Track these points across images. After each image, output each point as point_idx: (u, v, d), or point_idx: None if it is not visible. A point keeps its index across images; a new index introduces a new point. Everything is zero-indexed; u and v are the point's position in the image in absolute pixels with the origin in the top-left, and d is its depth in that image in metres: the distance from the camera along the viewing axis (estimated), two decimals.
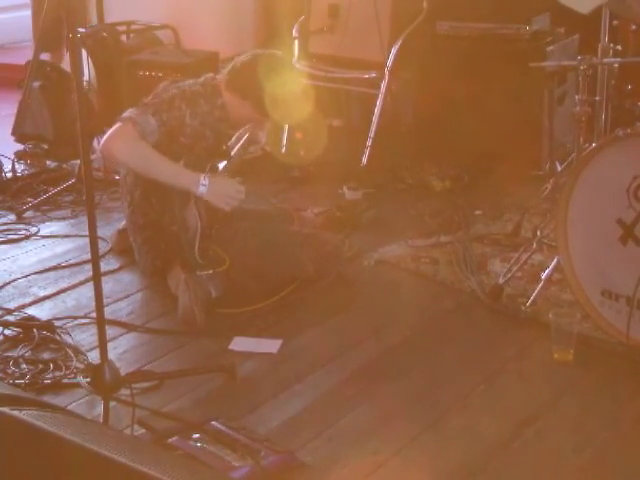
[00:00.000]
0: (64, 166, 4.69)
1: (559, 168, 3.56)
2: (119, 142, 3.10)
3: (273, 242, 3.31)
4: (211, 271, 3.16)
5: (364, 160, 4.55)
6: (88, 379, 2.57)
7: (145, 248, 3.34)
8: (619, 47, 3.22)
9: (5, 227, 4.05)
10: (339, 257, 3.46)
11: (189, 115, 3.18)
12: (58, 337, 3.03)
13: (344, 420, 2.58)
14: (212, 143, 3.27)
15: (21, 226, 4.07)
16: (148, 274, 3.42)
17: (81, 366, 2.83)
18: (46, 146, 4.78)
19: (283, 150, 4.68)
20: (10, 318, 3.17)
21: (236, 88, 3.28)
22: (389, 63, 4.59)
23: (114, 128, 3.10)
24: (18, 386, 2.70)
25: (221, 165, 3.29)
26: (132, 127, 3.07)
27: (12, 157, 4.73)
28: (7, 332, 3.07)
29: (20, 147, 4.82)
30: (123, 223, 3.72)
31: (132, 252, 3.53)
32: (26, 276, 3.53)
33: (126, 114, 3.12)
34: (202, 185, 3.10)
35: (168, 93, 3.21)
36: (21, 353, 2.93)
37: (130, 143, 3.08)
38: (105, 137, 3.12)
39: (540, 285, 3.15)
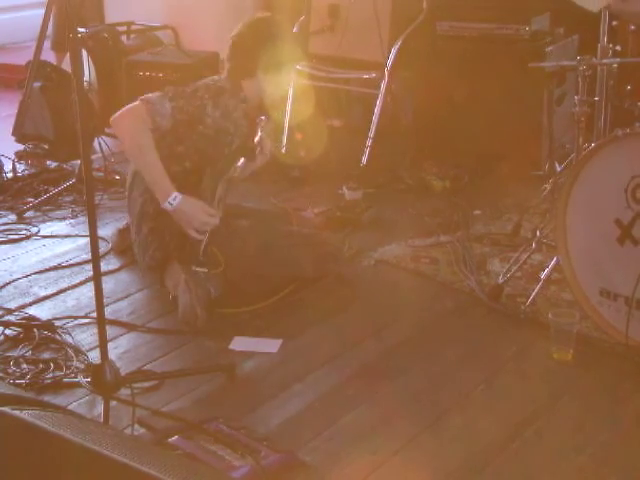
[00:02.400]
0: (64, 166, 4.69)
1: (558, 168, 3.56)
2: (127, 120, 3.12)
3: (272, 242, 3.31)
4: (206, 269, 3.15)
5: (364, 160, 4.56)
6: (88, 379, 2.57)
7: (149, 238, 3.33)
8: (618, 47, 3.22)
9: (6, 227, 4.05)
10: (338, 258, 3.46)
11: (211, 105, 3.18)
12: (59, 337, 3.03)
13: (344, 420, 2.58)
14: (236, 139, 3.27)
15: (22, 226, 4.07)
16: (146, 267, 3.41)
17: (81, 366, 2.84)
18: (46, 146, 4.78)
19: (283, 150, 4.68)
20: (11, 318, 3.18)
21: (244, 72, 3.27)
22: (389, 63, 4.59)
23: (130, 105, 3.13)
24: (19, 386, 2.70)
25: (239, 163, 3.29)
26: (145, 109, 3.08)
27: (13, 157, 4.73)
28: (8, 332, 3.07)
29: (21, 147, 4.82)
30: (124, 223, 3.72)
31: (133, 252, 3.53)
32: (27, 276, 3.54)
33: (146, 95, 3.14)
34: (169, 203, 3.09)
35: (193, 86, 3.23)
36: (22, 353, 2.93)
37: (135, 125, 3.10)
38: (120, 111, 3.14)
39: (539, 285, 3.15)
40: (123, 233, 3.68)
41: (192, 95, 3.18)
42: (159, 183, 3.12)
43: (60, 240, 3.92)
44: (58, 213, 4.22)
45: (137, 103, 3.12)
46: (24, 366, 2.85)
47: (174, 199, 3.09)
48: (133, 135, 3.12)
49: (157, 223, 3.29)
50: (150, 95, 3.14)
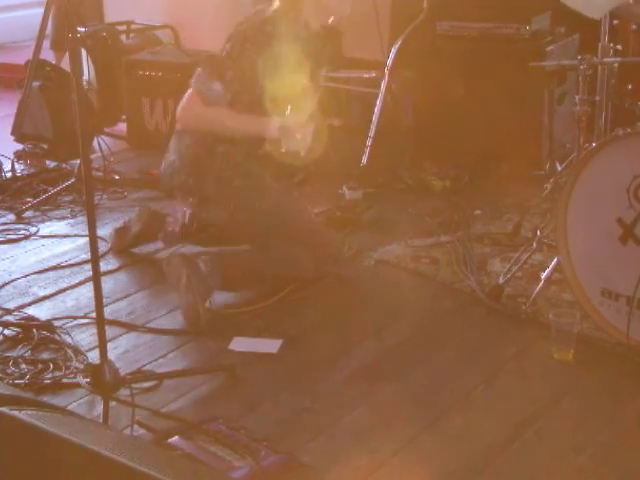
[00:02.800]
0: (64, 166, 4.68)
1: (559, 168, 3.56)
2: (189, 113, 3.23)
3: (273, 239, 3.30)
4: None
5: (364, 160, 4.55)
6: (88, 379, 2.56)
7: (187, 161, 3.31)
8: (619, 47, 3.22)
9: (5, 227, 4.04)
10: (338, 259, 3.45)
11: (262, 61, 3.17)
12: (58, 337, 3.03)
13: (344, 420, 2.58)
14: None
15: (21, 226, 4.06)
16: (172, 186, 3.39)
17: (81, 366, 2.83)
18: (46, 146, 4.77)
19: (283, 150, 4.67)
20: (10, 318, 3.17)
21: None
22: (389, 63, 4.58)
23: (184, 98, 3.22)
24: (18, 386, 2.70)
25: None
26: (198, 97, 3.17)
27: (12, 157, 4.73)
28: (7, 332, 3.07)
29: (20, 147, 4.81)
30: (121, 222, 3.72)
31: (131, 254, 3.54)
32: (26, 276, 3.53)
33: (193, 79, 3.20)
34: (276, 128, 3.17)
35: (241, 40, 3.20)
36: (21, 353, 2.93)
37: (198, 113, 3.20)
38: (178, 108, 3.25)
39: (540, 285, 3.14)
40: (121, 233, 3.68)
41: (239, 57, 3.17)
42: (257, 126, 3.22)
43: (59, 240, 3.91)
44: (57, 213, 4.21)
45: (190, 95, 3.19)
46: (23, 366, 2.84)
47: (276, 122, 3.19)
48: (202, 121, 3.22)
49: (204, 151, 3.28)
50: (197, 83, 3.18)
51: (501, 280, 3.26)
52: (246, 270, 3.27)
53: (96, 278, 2.48)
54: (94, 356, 2.77)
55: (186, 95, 3.23)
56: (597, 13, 3.00)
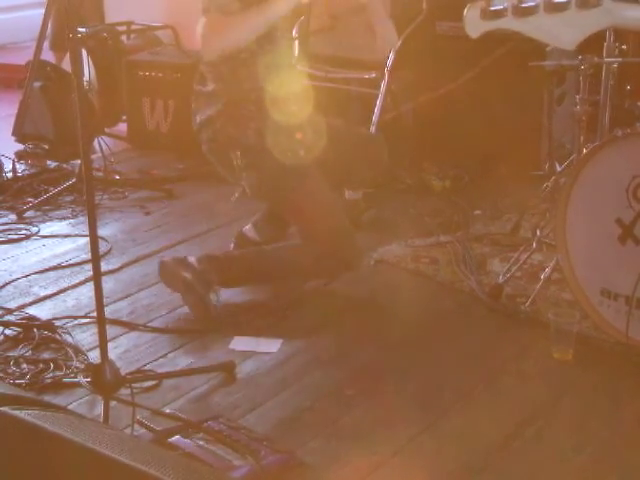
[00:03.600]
0: (64, 166, 4.69)
1: (558, 168, 3.56)
2: (211, 38, 3.07)
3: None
4: None
5: None
6: (88, 379, 2.57)
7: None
8: (624, 47, 3.21)
9: (6, 227, 4.05)
10: (354, 266, 3.45)
11: None
12: (58, 337, 3.03)
13: (344, 420, 2.59)
14: None
15: (22, 226, 4.07)
16: (209, 140, 3.30)
17: (81, 366, 2.83)
18: (46, 146, 4.78)
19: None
20: (11, 318, 3.18)
21: None
22: (389, 63, 4.58)
23: (202, 26, 3.05)
24: (18, 386, 2.70)
25: None
26: (217, 14, 3.02)
27: (13, 157, 4.73)
28: (8, 332, 3.07)
29: (21, 147, 4.82)
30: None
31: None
32: (26, 276, 3.54)
33: (205, 4, 3.05)
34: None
35: None
36: (21, 353, 2.93)
37: (225, 24, 3.04)
38: (200, 40, 3.08)
39: (539, 285, 3.15)
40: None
41: None
42: (274, 10, 3.10)
43: (60, 240, 3.92)
44: (58, 213, 4.22)
45: (206, 20, 3.05)
46: (24, 366, 2.85)
47: None
48: (227, 37, 3.08)
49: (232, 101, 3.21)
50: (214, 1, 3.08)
51: (501, 280, 3.27)
52: (243, 269, 3.27)
53: (97, 278, 2.48)
54: (95, 356, 2.77)
55: (201, 23, 3.04)
56: (569, 45, 3.01)
